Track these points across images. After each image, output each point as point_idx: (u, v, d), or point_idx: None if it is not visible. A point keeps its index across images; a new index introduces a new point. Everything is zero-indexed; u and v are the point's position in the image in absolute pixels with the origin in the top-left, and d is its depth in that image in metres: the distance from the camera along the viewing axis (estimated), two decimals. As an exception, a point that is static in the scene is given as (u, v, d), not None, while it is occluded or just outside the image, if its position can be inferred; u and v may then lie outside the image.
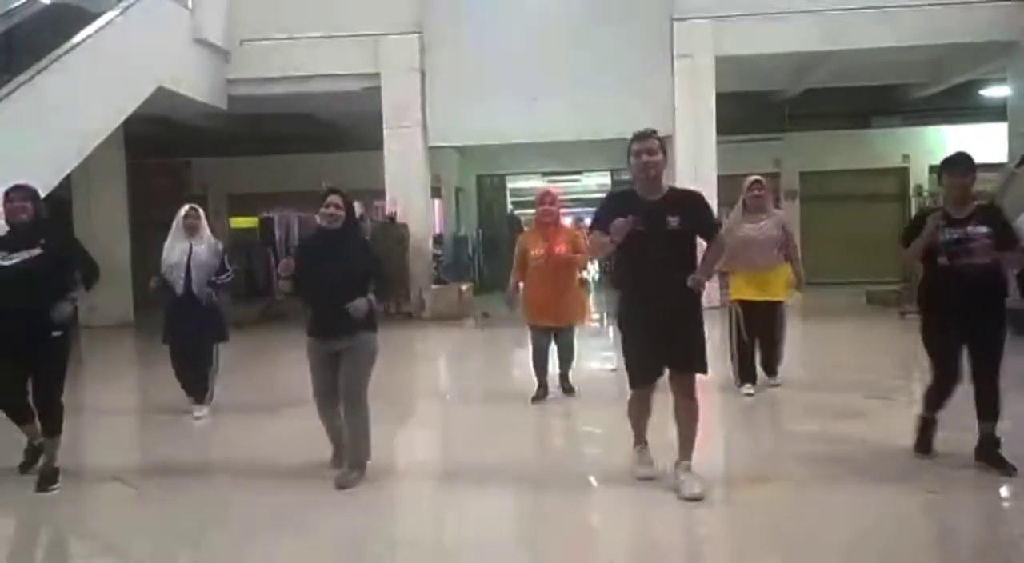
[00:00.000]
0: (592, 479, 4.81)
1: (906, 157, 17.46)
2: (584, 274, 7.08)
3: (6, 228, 5.01)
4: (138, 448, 6.43)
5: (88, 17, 10.28)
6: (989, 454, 4.55)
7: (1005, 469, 4.47)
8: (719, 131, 13.16)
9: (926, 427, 4.83)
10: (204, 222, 6.69)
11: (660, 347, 4.34)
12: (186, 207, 6.69)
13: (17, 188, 5.00)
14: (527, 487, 4.79)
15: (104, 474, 5.24)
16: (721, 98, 13.17)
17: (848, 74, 14.92)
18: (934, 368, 4.68)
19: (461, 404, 7.50)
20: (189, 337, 6.58)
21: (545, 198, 6.73)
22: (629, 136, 4.41)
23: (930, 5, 12.49)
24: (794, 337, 10.25)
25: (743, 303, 6.74)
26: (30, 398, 5.00)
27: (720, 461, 5.23)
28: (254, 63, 13.38)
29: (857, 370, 8.06)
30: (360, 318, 4.62)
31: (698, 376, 4.40)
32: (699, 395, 4.40)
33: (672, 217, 4.23)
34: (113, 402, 7.76)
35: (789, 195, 17.97)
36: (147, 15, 11.20)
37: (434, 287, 13.63)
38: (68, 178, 10.21)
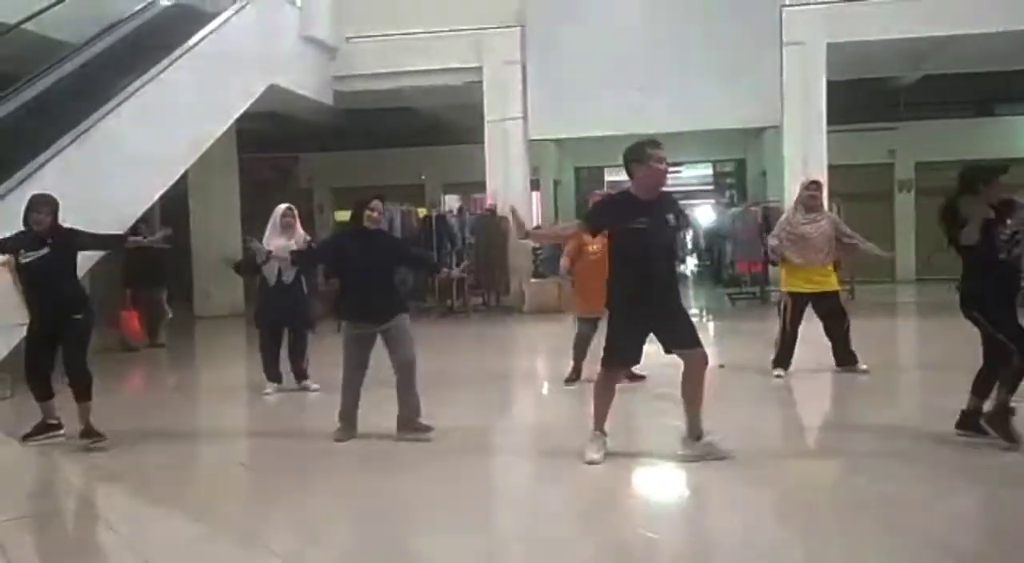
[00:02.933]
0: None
1: (1033, 146, 16.46)
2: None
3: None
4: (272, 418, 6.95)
5: (206, 17, 10.74)
6: (1001, 423, 4.82)
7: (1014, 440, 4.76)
8: (829, 120, 12.71)
9: (1007, 413, 4.84)
10: (297, 221, 7.21)
11: (649, 332, 4.76)
12: (283, 207, 7.19)
13: (42, 201, 5.46)
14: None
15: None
16: (831, 86, 12.71)
17: (969, 60, 14.14)
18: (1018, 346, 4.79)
19: (553, 394, 7.48)
20: (280, 324, 7.23)
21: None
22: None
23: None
24: (892, 329, 9.72)
25: (794, 295, 7.13)
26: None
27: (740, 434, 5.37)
28: (359, 59, 13.70)
29: (944, 368, 7.19)
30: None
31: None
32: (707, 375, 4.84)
33: (670, 215, 4.82)
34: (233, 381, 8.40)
35: (904, 187, 17.20)
36: (259, 14, 11.61)
37: (533, 281, 13.64)
38: (184, 172, 10.67)
